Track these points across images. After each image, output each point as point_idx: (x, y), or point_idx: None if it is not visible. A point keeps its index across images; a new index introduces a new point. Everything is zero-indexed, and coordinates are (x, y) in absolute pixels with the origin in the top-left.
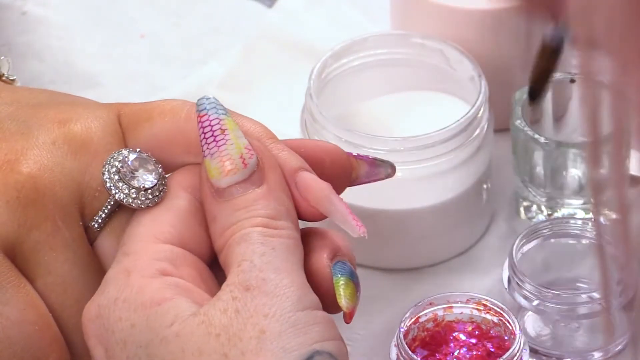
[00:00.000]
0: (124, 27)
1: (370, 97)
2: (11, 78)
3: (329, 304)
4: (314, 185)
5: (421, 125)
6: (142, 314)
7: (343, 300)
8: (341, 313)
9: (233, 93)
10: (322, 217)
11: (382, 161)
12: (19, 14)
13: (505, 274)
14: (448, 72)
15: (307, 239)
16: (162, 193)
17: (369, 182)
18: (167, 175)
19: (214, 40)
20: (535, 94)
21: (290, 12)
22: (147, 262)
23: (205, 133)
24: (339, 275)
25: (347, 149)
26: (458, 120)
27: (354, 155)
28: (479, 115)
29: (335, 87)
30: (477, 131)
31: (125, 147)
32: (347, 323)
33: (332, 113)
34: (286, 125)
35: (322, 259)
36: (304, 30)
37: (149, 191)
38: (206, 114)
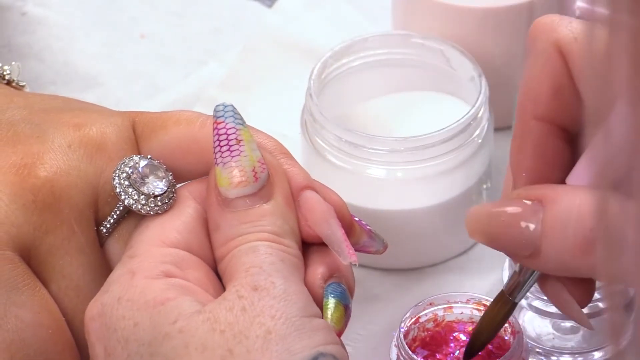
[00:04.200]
0: (124, 27)
1: (370, 97)
2: (21, 84)
3: None
4: (315, 207)
5: (421, 125)
6: (146, 313)
7: (329, 323)
8: None
9: (233, 93)
10: (317, 239)
11: (377, 235)
12: (19, 14)
13: (505, 274)
14: (448, 72)
15: (305, 254)
16: (171, 201)
17: (360, 251)
18: (177, 184)
19: (214, 40)
20: (475, 349)
21: (290, 12)
22: (152, 264)
23: (220, 141)
24: (330, 297)
25: (347, 149)
26: (458, 120)
27: (357, 221)
28: (479, 115)
29: (336, 87)
30: (477, 131)
31: (138, 154)
32: None
33: (332, 113)
34: (286, 126)
35: (316, 277)
36: (304, 30)
37: (159, 198)
38: (223, 122)
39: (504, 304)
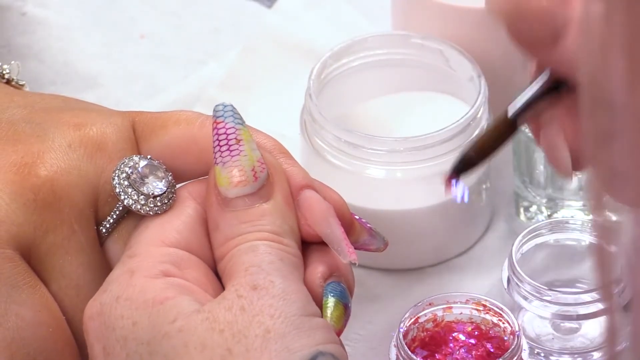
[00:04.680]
0: (124, 27)
1: (370, 97)
2: (20, 83)
3: None
4: (315, 206)
5: (421, 125)
6: (144, 312)
7: (329, 322)
8: None
9: (233, 93)
10: (317, 238)
11: (378, 233)
12: (19, 14)
13: (505, 274)
14: (448, 72)
15: (305, 253)
16: (170, 201)
17: (361, 249)
18: (177, 184)
19: (214, 40)
20: (470, 165)
21: (289, 13)
22: (150, 264)
23: (219, 140)
24: (329, 296)
25: (347, 149)
26: (458, 121)
27: (357, 219)
28: (479, 115)
29: (335, 88)
30: (477, 131)
31: (138, 154)
32: None
33: (332, 113)
34: (286, 126)
35: (315, 276)
36: (304, 30)
37: (158, 198)
38: (223, 122)
39: (502, 123)
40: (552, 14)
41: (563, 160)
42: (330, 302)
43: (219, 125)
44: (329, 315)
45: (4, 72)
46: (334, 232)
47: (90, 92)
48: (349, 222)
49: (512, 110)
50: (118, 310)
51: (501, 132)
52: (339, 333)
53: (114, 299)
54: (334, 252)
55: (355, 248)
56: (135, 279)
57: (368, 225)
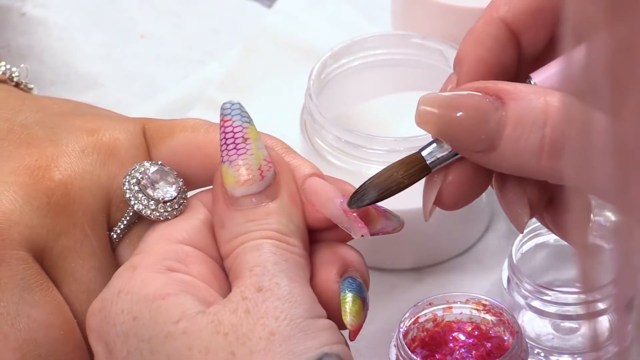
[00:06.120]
0: (124, 28)
1: (370, 97)
2: (29, 86)
3: (335, 320)
4: (320, 189)
5: None
6: (145, 307)
7: (348, 317)
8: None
9: (233, 93)
10: (326, 224)
11: (392, 214)
12: (19, 15)
13: (505, 274)
14: (447, 72)
15: (317, 253)
16: (181, 207)
17: (379, 234)
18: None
19: (214, 40)
20: (365, 199)
21: (289, 12)
22: (153, 260)
23: (227, 139)
24: (347, 292)
25: (347, 149)
26: None
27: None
28: None
29: (335, 88)
30: None
31: (149, 160)
32: (352, 340)
33: (332, 113)
34: (286, 126)
35: (330, 274)
36: (304, 30)
37: (168, 204)
38: (230, 120)
39: (420, 170)
40: (483, 122)
41: (522, 219)
42: (349, 297)
43: (226, 124)
44: (347, 310)
45: (13, 75)
46: (341, 210)
47: (90, 92)
48: (364, 210)
49: (429, 158)
50: (119, 304)
51: (413, 173)
52: (359, 327)
53: (115, 293)
54: (347, 247)
55: (373, 234)
56: (138, 273)
57: (382, 208)
